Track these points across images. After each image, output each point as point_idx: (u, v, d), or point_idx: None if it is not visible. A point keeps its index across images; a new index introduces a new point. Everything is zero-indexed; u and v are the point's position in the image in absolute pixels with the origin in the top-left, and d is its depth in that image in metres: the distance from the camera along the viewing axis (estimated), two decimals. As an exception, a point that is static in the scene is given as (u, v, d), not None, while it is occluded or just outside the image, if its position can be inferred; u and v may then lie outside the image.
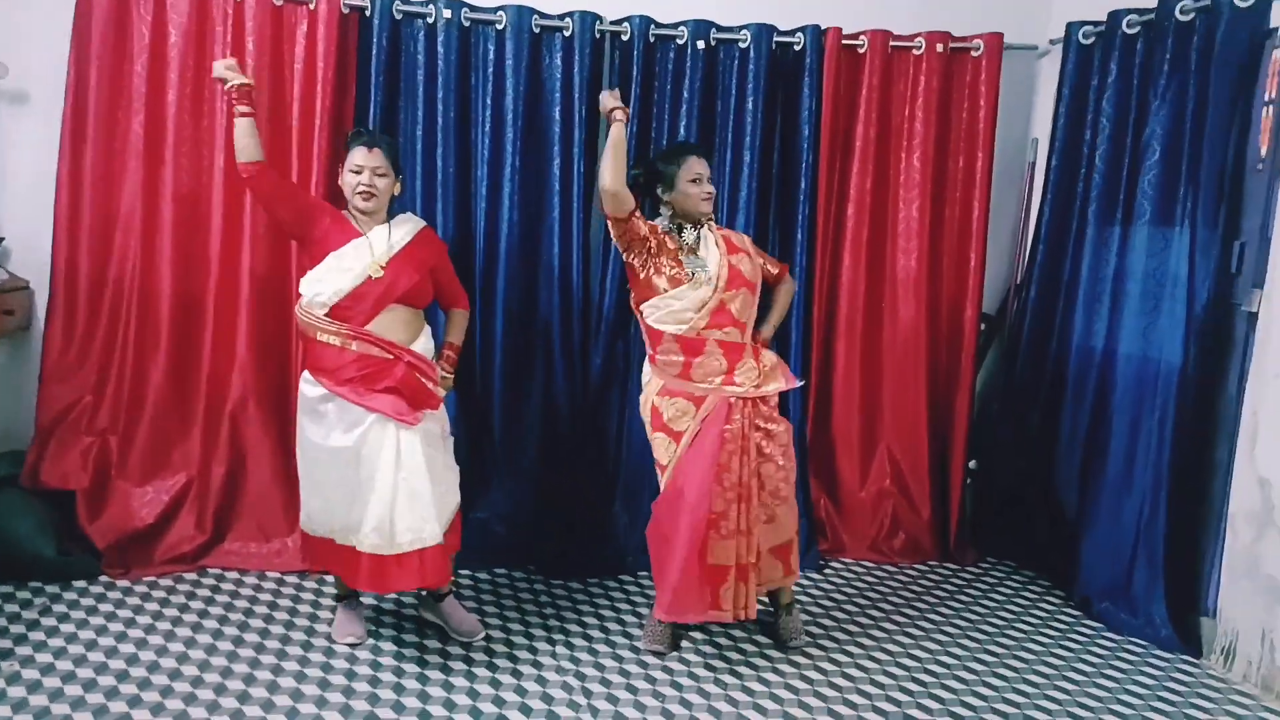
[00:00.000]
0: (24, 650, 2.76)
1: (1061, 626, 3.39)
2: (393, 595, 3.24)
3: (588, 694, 2.76)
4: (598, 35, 3.66)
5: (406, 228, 2.95)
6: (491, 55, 3.62)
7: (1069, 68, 3.80)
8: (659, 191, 3.01)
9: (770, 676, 2.92)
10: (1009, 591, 3.69)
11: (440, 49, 3.57)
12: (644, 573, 3.59)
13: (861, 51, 3.88)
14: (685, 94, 3.74)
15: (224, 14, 3.44)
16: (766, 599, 3.15)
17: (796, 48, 3.81)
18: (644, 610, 3.29)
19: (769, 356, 3.02)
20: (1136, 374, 3.45)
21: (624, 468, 3.78)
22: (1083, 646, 3.24)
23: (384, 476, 2.74)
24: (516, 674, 2.84)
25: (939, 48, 3.90)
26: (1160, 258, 3.41)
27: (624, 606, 3.35)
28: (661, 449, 2.97)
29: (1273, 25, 3.06)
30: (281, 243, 3.53)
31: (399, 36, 3.57)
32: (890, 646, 3.16)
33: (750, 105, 3.76)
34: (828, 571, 3.79)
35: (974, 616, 3.43)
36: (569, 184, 3.68)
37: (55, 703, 2.52)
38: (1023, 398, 3.95)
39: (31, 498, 3.32)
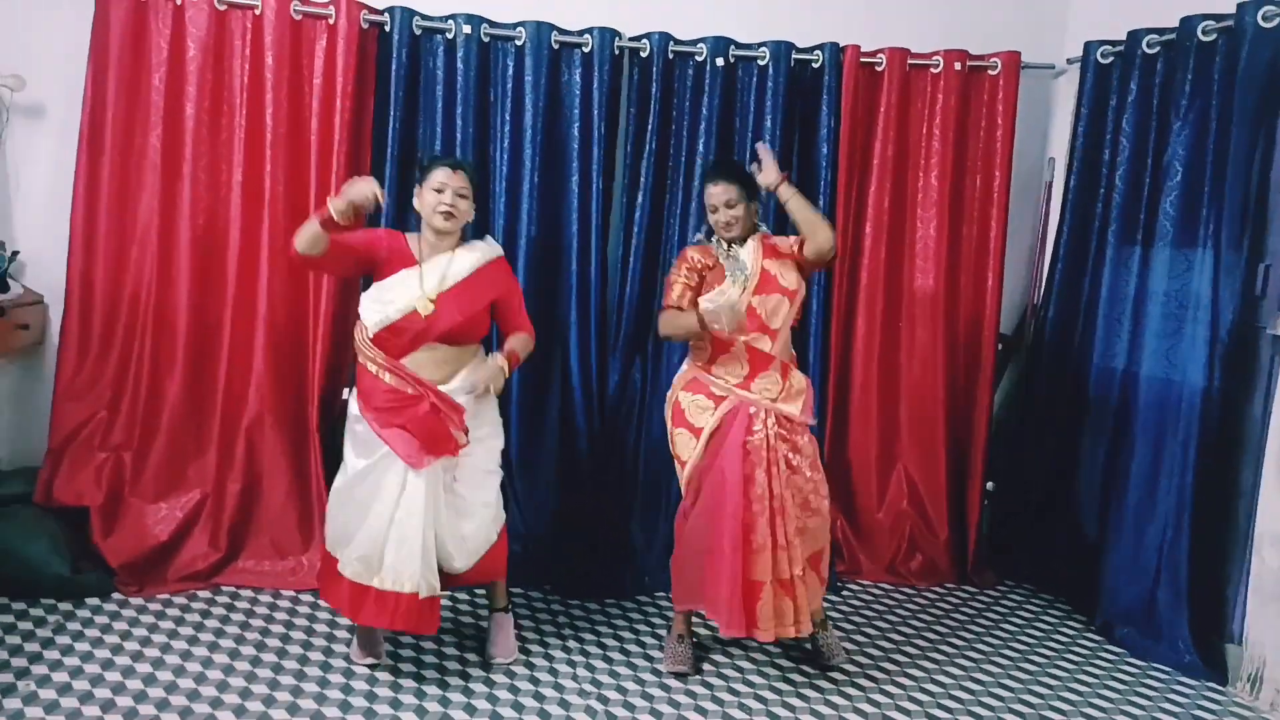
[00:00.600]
0: (39, 669, 2.73)
1: (1083, 652, 3.36)
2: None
3: (611, 717, 2.72)
4: (617, 52, 3.66)
5: (471, 259, 2.84)
6: (510, 71, 3.61)
7: (1087, 87, 3.79)
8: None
9: (795, 701, 2.89)
10: (1029, 615, 3.65)
11: (459, 64, 3.56)
12: (661, 593, 3.56)
13: (880, 70, 3.87)
14: (704, 111, 3.74)
15: (243, 28, 3.43)
16: None
17: (815, 65, 3.80)
18: (663, 631, 3.26)
19: (799, 379, 2.99)
20: (1159, 396, 3.42)
21: (641, 487, 3.76)
22: (1106, 673, 3.21)
23: (380, 509, 2.71)
24: (539, 696, 2.81)
25: (957, 66, 3.89)
26: (1182, 279, 3.40)
27: (643, 628, 3.32)
28: (683, 445, 2.96)
29: (1297, 46, 3.06)
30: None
31: (418, 52, 3.56)
32: (914, 671, 3.13)
33: (769, 122, 3.76)
34: (845, 594, 3.75)
35: (995, 641, 3.40)
36: (587, 200, 3.67)
37: (72, 725, 2.49)
38: (1041, 419, 3.92)
39: (45, 515, 3.28)
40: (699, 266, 2.97)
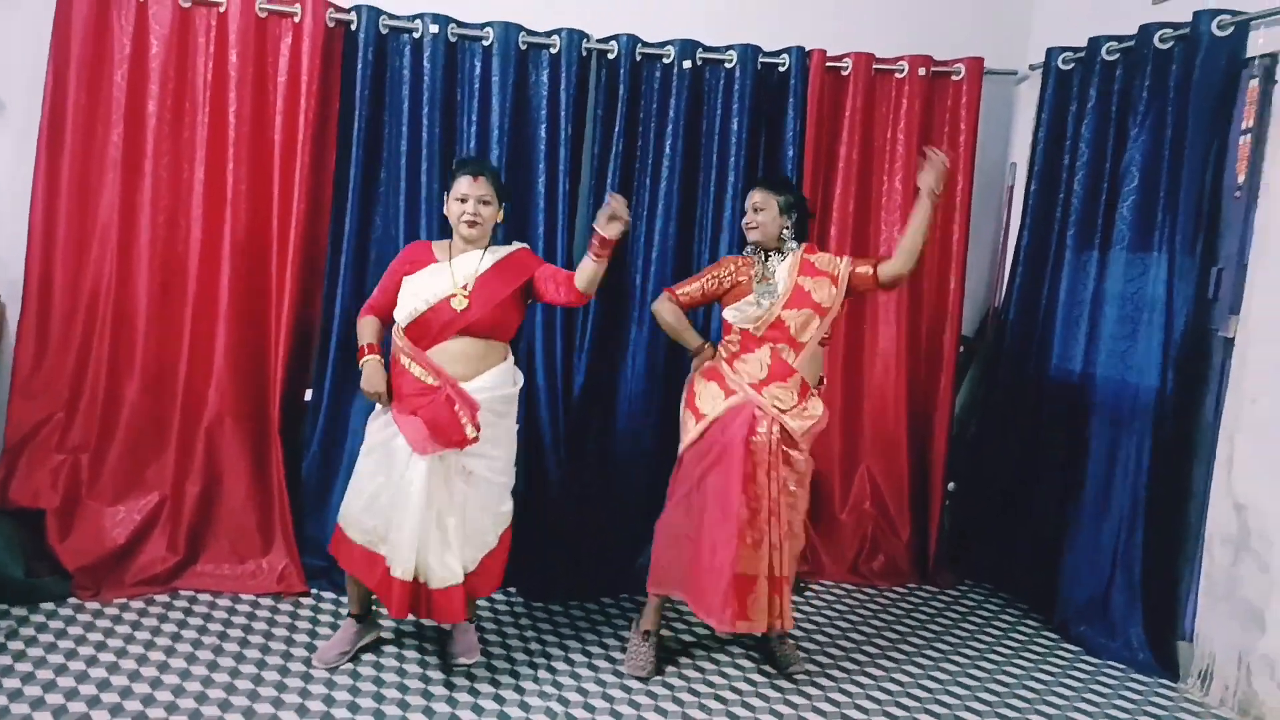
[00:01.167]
0: (-10, 675, 2.69)
1: (1040, 650, 3.41)
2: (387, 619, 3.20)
3: (571, 719, 2.73)
4: (584, 53, 3.66)
5: (497, 254, 2.90)
6: (478, 71, 3.61)
7: (1048, 93, 3.85)
8: None
9: (755, 701, 2.90)
10: (988, 614, 3.70)
11: (426, 64, 3.55)
12: (625, 595, 3.57)
13: (845, 74, 3.90)
14: (671, 113, 3.75)
15: (207, 25, 3.41)
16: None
17: (781, 69, 3.82)
18: (626, 634, 3.26)
19: (817, 405, 3.02)
20: (1114, 397, 3.48)
21: (606, 489, 3.75)
22: (1062, 670, 3.26)
23: (385, 484, 2.79)
24: (499, 699, 2.81)
25: (921, 71, 3.93)
26: (1138, 283, 3.46)
27: (606, 630, 3.32)
28: (688, 426, 3.03)
29: (1250, 55, 3.12)
30: (261, 257, 3.49)
31: (384, 51, 3.54)
32: (873, 670, 3.16)
33: (735, 125, 3.78)
34: (808, 594, 3.78)
35: (954, 640, 3.44)
36: (554, 201, 3.66)
37: (24, 730, 2.45)
38: (1001, 420, 3.98)
39: (-1, 517, 3.24)
40: (730, 276, 3.05)
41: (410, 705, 2.73)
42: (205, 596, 3.33)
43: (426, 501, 2.73)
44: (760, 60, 3.78)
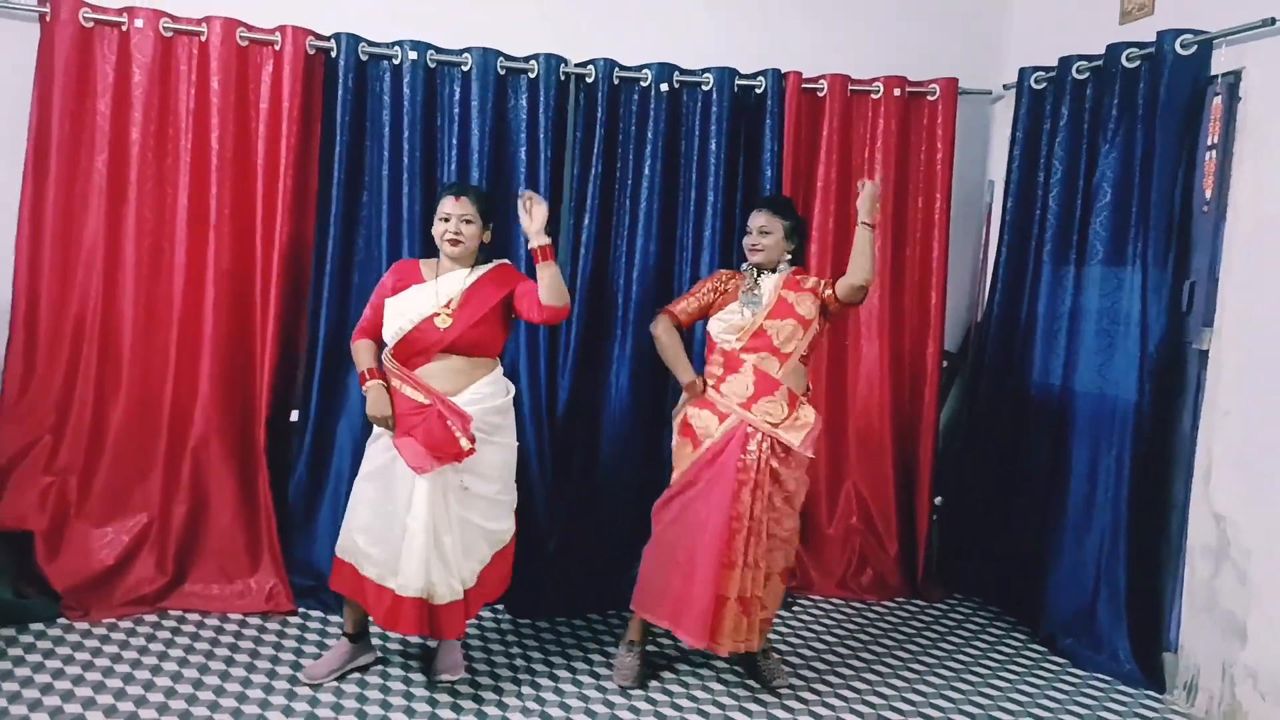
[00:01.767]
0: (-25, 697, 2.71)
1: (1027, 663, 3.42)
2: (378, 634, 3.22)
3: (552, 735, 2.75)
4: (563, 77, 3.72)
5: (479, 271, 2.95)
6: (457, 96, 3.66)
7: (1022, 112, 3.91)
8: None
9: (738, 716, 2.91)
10: (975, 628, 3.71)
11: (406, 90, 3.60)
12: (611, 610, 3.58)
13: (821, 95, 3.96)
14: (649, 135, 3.80)
15: (189, 54, 3.47)
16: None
17: (758, 90, 3.88)
18: (612, 649, 3.27)
19: (808, 412, 3.02)
20: (1093, 411, 3.51)
21: (590, 505, 3.77)
22: (1047, 683, 3.27)
23: (392, 511, 2.81)
24: (480, 715, 2.81)
25: (896, 91, 4.00)
26: (1113, 297, 3.50)
27: (592, 646, 3.33)
28: (680, 453, 3.06)
29: (1214, 73, 3.17)
30: (247, 280, 3.53)
31: (365, 77, 3.60)
32: (857, 684, 3.17)
33: (714, 146, 3.83)
34: (796, 609, 3.79)
35: (940, 653, 3.45)
36: (535, 223, 3.71)
37: (5, 751, 2.47)
38: (984, 435, 4.00)
39: (-13, 540, 3.26)
40: (720, 286, 3.12)
41: (392, 723, 2.75)
42: (194, 616, 3.34)
43: (431, 522, 2.77)
44: (737, 82, 3.84)
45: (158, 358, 3.47)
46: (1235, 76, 3.11)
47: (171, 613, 3.35)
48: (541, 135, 3.69)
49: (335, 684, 2.93)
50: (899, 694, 3.11)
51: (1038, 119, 3.87)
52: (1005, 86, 4.12)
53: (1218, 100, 3.14)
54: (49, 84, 3.36)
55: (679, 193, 3.87)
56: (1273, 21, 2.95)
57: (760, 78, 3.87)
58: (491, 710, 2.85)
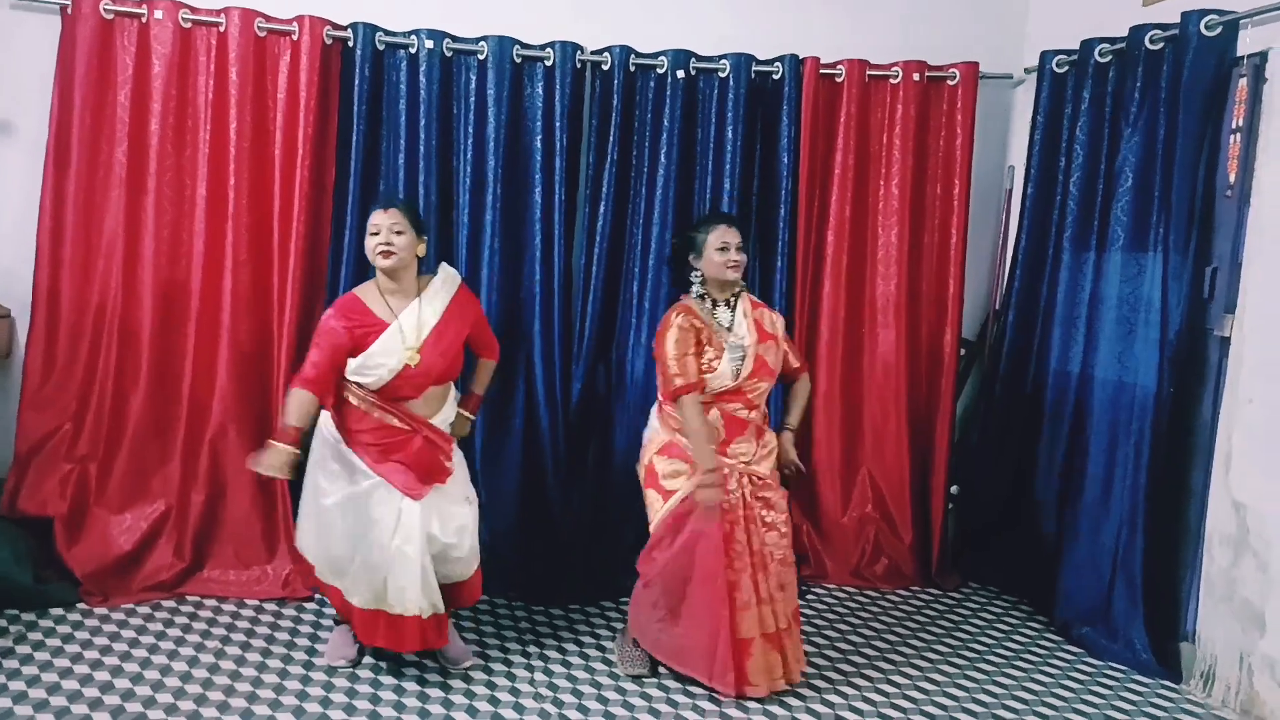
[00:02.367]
0: (-3, 679, 2.76)
1: (1042, 651, 3.39)
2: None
3: (565, 721, 2.76)
4: (579, 65, 3.71)
5: (441, 297, 2.88)
6: (473, 85, 3.67)
7: (1043, 96, 3.85)
8: (690, 258, 3.01)
9: (750, 703, 2.91)
10: (990, 617, 3.68)
11: (422, 79, 3.61)
12: (624, 599, 3.57)
13: (839, 80, 3.93)
14: (666, 122, 3.79)
15: (208, 45, 3.49)
16: None
17: (775, 77, 3.86)
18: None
19: (771, 439, 3.01)
20: (1113, 398, 3.47)
21: (605, 495, 3.78)
22: (1063, 672, 3.24)
23: (378, 538, 2.77)
24: (494, 701, 2.83)
25: (915, 77, 3.95)
26: (1134, 283, 3.45)
27: (604, 633, 3.34)
28: (653, 504, 2.97)
29: (1239, 54, 3.11)
30: (264, 270, 3.56)
31: (381, 67, 3.61)
32: (870, 672, 3.15)
33: (730, 133, 3.81)
34: (810, 598, 3.77)
35: (955, 642, 3.43)
36: (550, 212, 3.71)
37: (27, 732, 2.51)
38: (1002, 422, 3.96)
39: (9, 526, 3.31)
40: (693, 330, 2.88)
41: (406, 707, 2.77)
42: (211, 602, 3.38)
43: (422, 543, 2.78)
44: (754, 69, 3.81)
45: (176, 347, 3.51)
46: (1261, 58, 3.05)
47: (189, 598, 3.40)
48: (557, 123, 3.69)
49: (350, 669, 2.96)
50: (912, 682, 3.10)
51: (1059, 103, 3.81)
52: (1026, 70, 4.06)
53: (1243, 82, 3.08)
54: (70, 76, 3.40)
55: (695, 181, 3.85)
56: (1300, 2, 2.89)
57: (777, 63, 3.84)
58: (505, 696, 2.86)
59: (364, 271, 3.60)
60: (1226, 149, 3.15)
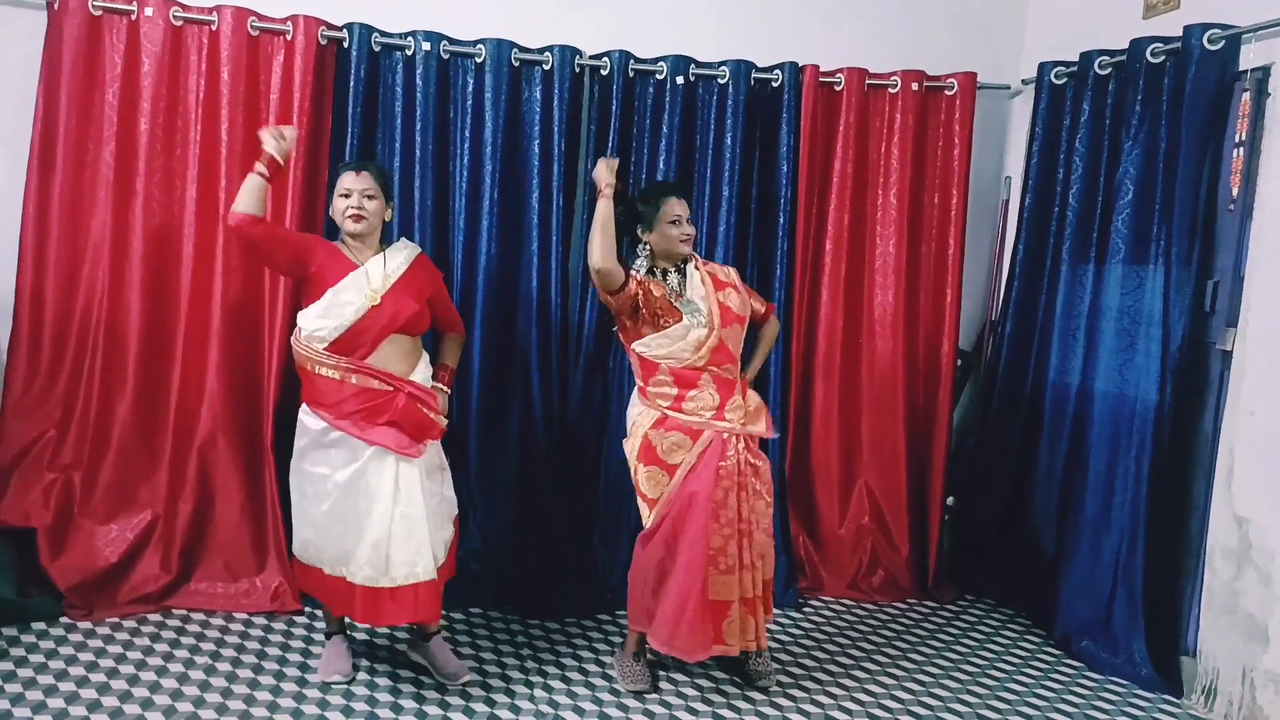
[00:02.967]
0: (-21, 697, 2.66)
1: (1043, 666, 3.37)
2: (384, 631, 3.21)
3: (567, 739, 2.70)
4: (577, 70, 3.66)
5: (403, 255, 2.90)
6: (470, 88, 3.61)
7: (1042, 107, 3.85)
8: (638, 231, 2.99)
9: (751, 719, 2.87)
10: (989, 630, 3.67)
11: (419, 81, 3.55)
12: (621, 611, 3.52)
13: (838, 89, 3.91)
14: (665, 128, 3.75)
15: (199, 44, 3.41)
16: None
17: (775, 84, 3.83)
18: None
19: (754, 397, 3.02)
20: (1113, 411, 3.46)
21: (603, 505, 3.73)
22: (1064, 687, 3.22)
23: (382, 508, 2.72)
24: (493, 718, 2.77)
25: (914, 86, 3.94)
26: (1135, 295, 3.45)
27: (603, 647, 3.29)
28: (651, 483, 2.92)
29: (1242, 68, 3.12)
30: (255, 274, 3.48)
31: (377, 68, 3.55)
32: (873, 688, 3.12)
33: (729, 140, 3.78)
34: (807, 610, 3.74)
35: (955, 656, 3.40)
36: (548, 216, 3.66)
37: (11, 754, 2.42)
38: (999, 434, 3.95)
39: (-10, 537, 3.21)
40: (645, 283, 2.90)
41: (404, 726, 2.71)
42: (199, 615, 3.30)
43: (428, 504, 2.76)
44: (753, 76, 3.78)
45: (164, 352, 3.42)
46: (1264, 73, 3.05)
47: (176, 612, 3.31)
48: (556, 128, 3.64)
49: (345, 685, 2.89)
50: (915, 698, 3.07)
51: (1058, 114, 3.81)
52: (1024, 81, 4.06)
53: (1246, 96, 3.09)
54: (56, 74, 3.30)
55: (694, 188, 3.81)
56: (1304, 17, 2.90)
57: (777, 71, 3.81)
58: (505, 713, 2.80)
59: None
60: (1229, 163, 3.16)
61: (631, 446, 2.99)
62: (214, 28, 3.38)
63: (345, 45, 3.49)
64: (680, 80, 3.73)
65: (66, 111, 3.32)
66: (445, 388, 2.98)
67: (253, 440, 3.47)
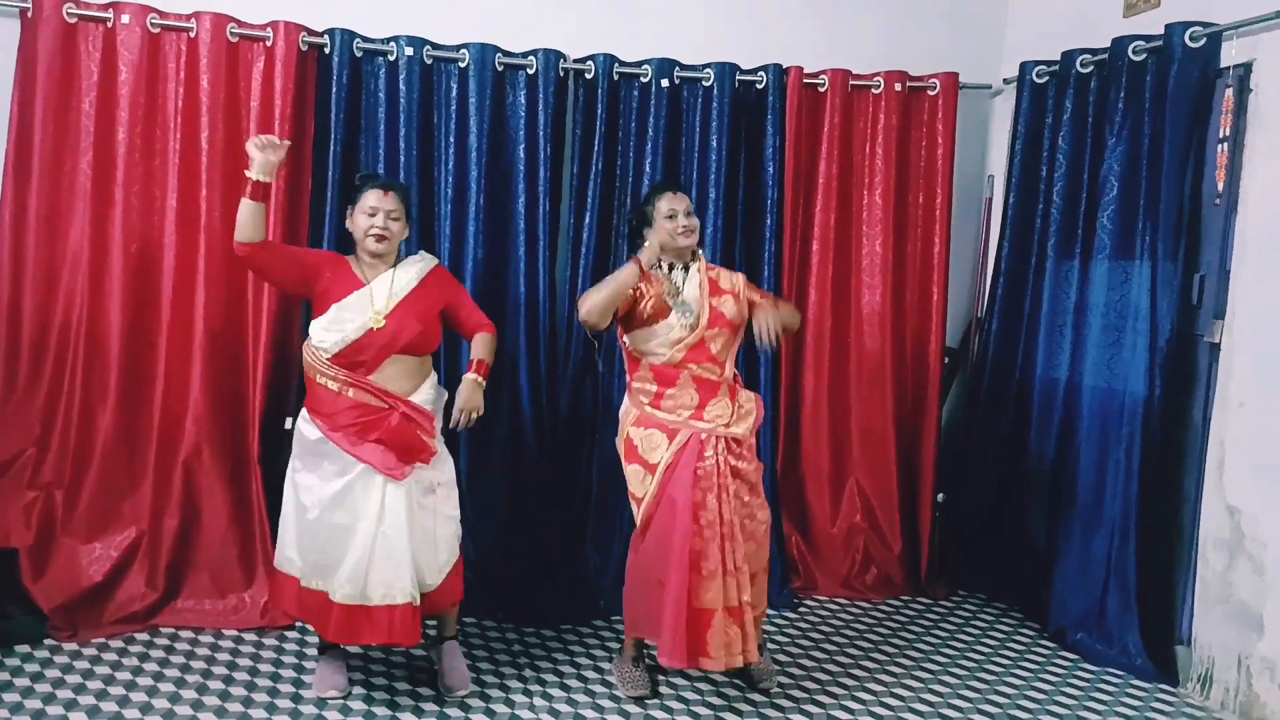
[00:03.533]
0: (-37, 724, 2.59)
1: (1038, 660, 3.39)
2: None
3: (570, 748, 2.67)
4: (562, 73, 3.64)
5: (413, 271, 2.88)
6: (455, 93, 3.58)
7: (1023, 106, 3.88)
8: (645, 230, 3.00)
9: (755, 722, 2.86)
10: (984, 625, 3.68)
11: (402, 86, 3.51)
12: (617, 616, 3.50)
13: (822, 90, 3.92)
14: (650, 131, 3.73)
15: (178, 50, 3.35)
16: None
17: (759, 86, 3.83)
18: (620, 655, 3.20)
19: (747, 398, 2.97)
20: (1102, 405, 3.49)
21: (595, 510, 3.71)
22: (1061, 680, 3.23)
23: (365, 527, 2.68)
24: (494, 728, 2.74)
25: (897, 87, 3.96)
26: (1121, 290, 3.48)
27: (600, 653, 3.26)
28: (636, 481, 2.91)
29: (1224, 65, 3.15)
30: (238, 283, 3.42)
31: (359, 74, 3.51)
32: (873, 686, 3.12)
33: (715, 143, 3.77)
34: (802, 610, 3.74)
35: (951, 652, 3.41)
36: (534, 222, 3.64)
37: (0, 781, 2.35)
38: (987, 430, 3.97)
39: (-31, 558, 3.13)
40: (639, 286, 2.88)
41: (404, 739, 2.66)
42: (187, 633, 3.23)
43: (411, 528, 2.69)
44: (738, 78, 3.78)
45: (147, 365, 3.35)
46: (1245, 69, 3.09)
47: (163, 630, 3.23)
48: (541, 132, 3.61)
49: (341, 700, 2.84)
50: (915, 695, 3.07)
51: (1040, 113, 3.84)
52: (1006, 81, 4.10)
53: (1229, 93, 3.12)
54: (31, 83, 3.23)
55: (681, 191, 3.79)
56: (1284, 13, 2.93)
57: (761, 73, 3.81)
58: (505, 723, 2.77)
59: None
60: (1213, 158, 3.19)
61: (619, 444, 2.99)
62: (192, 34, 3.33)
63: (327, 51, 3.45)
64: (665, 83, 3.72)
65: (42, 121, 3.25)
66: (478, 376, 2.86)
67: (238, 452, 3.41)
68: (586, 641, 3.35)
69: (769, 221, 3.84)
